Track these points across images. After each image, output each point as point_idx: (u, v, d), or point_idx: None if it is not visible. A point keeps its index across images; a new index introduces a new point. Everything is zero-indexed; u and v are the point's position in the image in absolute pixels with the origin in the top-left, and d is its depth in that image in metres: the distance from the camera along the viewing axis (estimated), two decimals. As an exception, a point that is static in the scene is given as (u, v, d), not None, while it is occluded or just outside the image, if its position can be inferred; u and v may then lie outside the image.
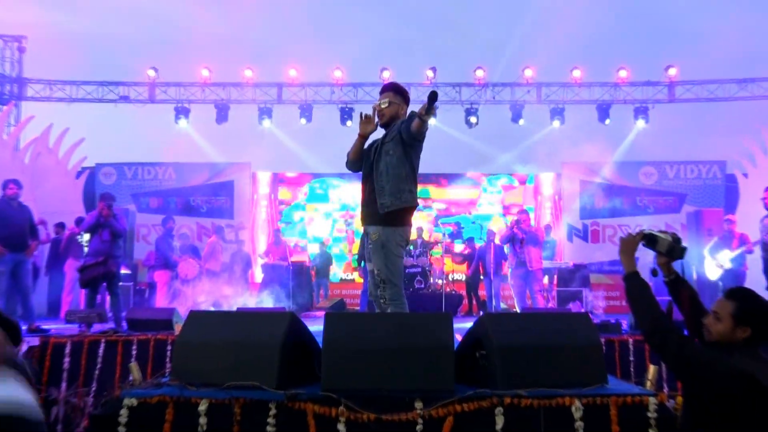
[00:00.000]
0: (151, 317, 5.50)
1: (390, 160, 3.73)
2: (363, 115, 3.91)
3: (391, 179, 3.71)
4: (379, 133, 3.96)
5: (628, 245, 2.66)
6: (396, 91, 3.94)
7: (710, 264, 8.54)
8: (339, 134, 13.23)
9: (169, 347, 4.97)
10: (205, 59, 13.26)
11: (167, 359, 4.90)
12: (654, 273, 2.75)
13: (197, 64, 13.03)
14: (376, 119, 3.90)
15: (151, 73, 12.94)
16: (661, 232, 2.71)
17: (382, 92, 3.96)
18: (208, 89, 13.02)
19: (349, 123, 12.78)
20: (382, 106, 3.88)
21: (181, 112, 12.94)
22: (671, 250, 2.68)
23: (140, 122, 13.86)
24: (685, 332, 2.50)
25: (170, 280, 9.08)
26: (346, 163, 4.02)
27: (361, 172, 3.96)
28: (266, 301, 9.05)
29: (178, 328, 5.28)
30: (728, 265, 8.26)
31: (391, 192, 3.69)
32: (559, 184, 13.29)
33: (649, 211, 12.58)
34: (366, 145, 3.96)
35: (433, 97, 3.31)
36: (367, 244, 3.81)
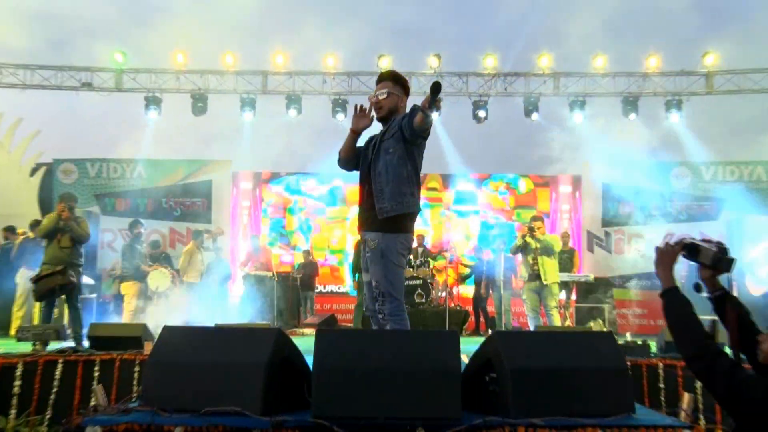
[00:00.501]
0: (116, 334, 5.49)
1: (390, 159, 3.74)
2: (358, 108, 3.90)
3: (391, 181, 3.72)
4: (375, 128, 3.97)
5: (666, 257, 2.63)
6: (395, 81, 3.94)
7: (753, 279, 8.58)
8: (331, 129, 13.32)
9: (137, 368, 4.97)
10: (180, 43, 13.27)
11: (135, 382, 4.90)
12: (697, 288, 2.68)
13: (171, 49, 13.05)
14: (373, 113, 3.90)
15: (119, 57, 12.95)
16: (704, 240, 2.65)
17: (378, 82, 3.97)
18: (184, 77, 13.04)
19: (341, 116, 12.82)
20: (380, 98, 3.88)
21: (153, 102, 12.95)
22: (717, 261, 2.62)
23: (105, 113, 13.83)
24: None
25: (139, 292, 9.07)
26: (338, 161, 4.03)
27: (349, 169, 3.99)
28: (248, 316, 9.05)
29: (148, 346, 5.28)
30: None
31: (391, 195, 3.70)
32: (579, 186, 13.34)
33: (682, 218, 12.62)
34: (363, 142, 3.98)
35: (436, 88, 3.33)
36: (365, 253, 3.82)
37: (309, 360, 2.70)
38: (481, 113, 12.82)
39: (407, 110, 3.78)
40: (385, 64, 12.47)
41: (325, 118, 13.10)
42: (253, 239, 11.85)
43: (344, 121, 12.88)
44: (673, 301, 2.50)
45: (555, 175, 13.67)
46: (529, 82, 12.93)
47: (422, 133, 3.65)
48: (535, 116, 12.84)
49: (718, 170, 12.79)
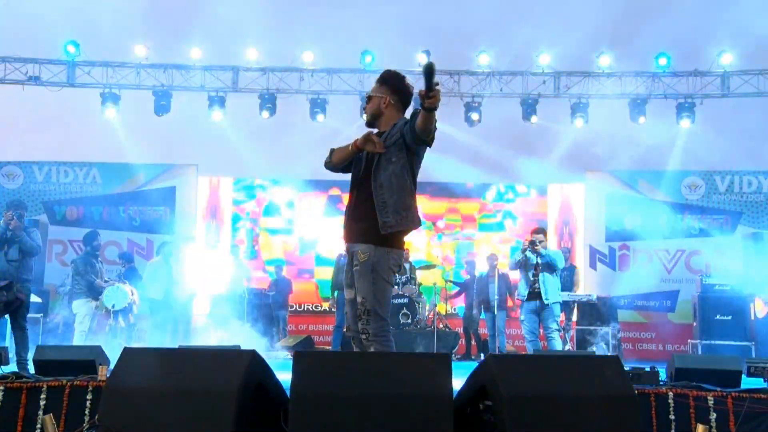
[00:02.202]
0: (67, 358, 5.43)
1: (394, 169, 3.82)
2: (374, 135, 3.89)
3: (394, 193, 3.80)
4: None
5: None
6: (381, 81, 4.01)
7: (763, 299, 8.72)
8: (309, 131, 13.32)
9: (89, 396, 4.93)
10: (141, 34, 13.23)
11: (86, 411, 4.86)
12: None
13: (131, 40, 13.00)
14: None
15: (71, 48, 12.87)
16: None
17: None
18: (145, 72, 12.98)
19: (320, 117, 12.83)
20: (366, 104, 4.03)
21: (109, 99, 12.86)
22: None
23: (55, 110, 13.71)
24: None
25: (94, 311, 9.00)
26: (327, 162, 4.07)
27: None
28: (216, 337, 9.03)
29: (102, 371, 5.24)
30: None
31: (395, 209, 3.78)
32: (581, 197, 13.45)
33: (694, 233, 12.74)
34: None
35: (428, 70, 3.32)
36: (351, 267, 3.86)
37: (285, 386, 2.71)
38: (474, 115, 12.89)
39: (404, 112, 3.85)
40: (369, 60, 12.53)
41: (303, 119, 13.11)
42: (224, 252, 11.81)
43: (323, 123, 12.91)
44: None
45: (555, 184, 13.78)
46: (527, 82, 13.03)
47: (425, 136, 3.69)
48: (534, 119, 12.88)
49: (735, 180, 12.93)
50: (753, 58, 12.63)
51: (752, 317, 9.78)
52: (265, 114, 12.94)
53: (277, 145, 13.69)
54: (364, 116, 4.05)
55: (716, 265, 12.32)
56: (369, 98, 4.01)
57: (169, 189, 13.20)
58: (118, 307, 9.14)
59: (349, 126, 12.66)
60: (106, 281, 9.40)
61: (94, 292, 9.06)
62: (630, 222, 12.92)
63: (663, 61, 12.64)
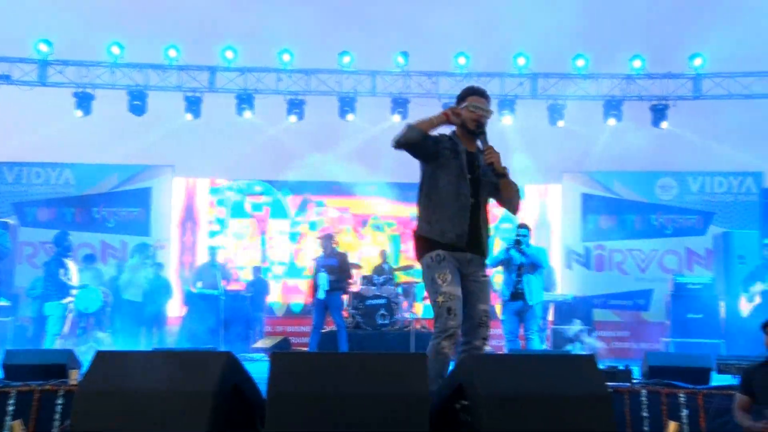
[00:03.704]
0: (36, 362, 5.39)
1: (491, 191, 4.26)
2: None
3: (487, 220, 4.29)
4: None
5: None
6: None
7: (746, 297, 8.85)
8: (283, 131, 13.30)
9: (60, 401, 4.88)
10: (116, 33, 13.11)
11: (57, 416, 4.81)
12: None
13: (105, 39, 12.87)
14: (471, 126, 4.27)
15: (43, 47, 12.70)
16: None
17: (485, 97, 4.42)
18: (120, 71, 12.85)
19: (292, 118, 12.79)
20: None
21: (83, 99, 12.73)
22: None
23: (27, 110, 13.54)
24: None
25: (65, 314, 8.89)
26: (411, 137, 4.05)
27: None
28: (193, 339, 8.99)
29: (74, 375, 5.20)
30: (758, 300, 8.57)
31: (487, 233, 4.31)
32: (556, 198, 13.54)
33: (667, 233, 12.90)
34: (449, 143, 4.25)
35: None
36: (474, 276, 4.10)
37: (262, 388, 2.69)
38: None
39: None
40: (347, 61, 12.53)
41: (280, 120, 13.08)
42: (200, 254, 11.76)
43: (300, 123, 12.89)
44: None
45: (532, 185, 13.84)
46: (504, 83, 13.11)
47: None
48: (509, 120, 12.99)
49: (707, 181, 13.10)
50: (724, 61, 12.84)
51: (722, 315, 9.93)
52: (248, 114, 12.87)
53: (256, 146, 13.65)
54: (477, 127, 4.31)
55: (688, 264, 12.52)
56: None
57: (145, 190, 13.08)
58: (91, 309, 9.04)
59: (324, 127, 12.67)
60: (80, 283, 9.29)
61: (66, 294, 8.95)
62: (605, 222, 13.05)
63: (637, 63, 12.81)
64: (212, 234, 13.62)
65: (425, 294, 11.78)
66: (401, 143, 4.02)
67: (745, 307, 9.09)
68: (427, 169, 4.21)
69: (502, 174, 4.11)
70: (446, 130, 4.38)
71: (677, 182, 13.12)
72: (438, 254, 3.99)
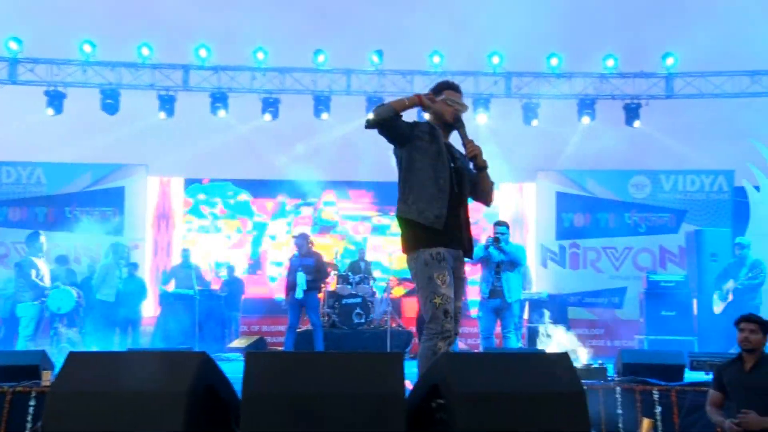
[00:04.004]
0: (9, 363, 5.34)
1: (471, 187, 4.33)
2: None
3: None
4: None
5: None
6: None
7: (719, 296, 8.98)
8: (257, 129, 13.24)
9: (32, 402, 4.83)
10: (88, 30, 12.96)
11: (29, 418, 4.76)
12: None
13: (77, 37, 12.72)
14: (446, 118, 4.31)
15: (13, 45, 12.53)
16: None
17: (460, 92, 4.42)
18: (92, 69, 12.71)
19: (267, 117, 12.74)
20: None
21: (55, 97, 12.58)
22: None
23: (-4, 108, 13.37)
24: None
25: (38, 315, 8.77)
26: (386, 118, 4.03)
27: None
28: (167, 339, 8.92)
29: (46, 376, 5.14)
30: (731, 297, 8.70)
31: None
32: (531, 197, 13.63)
33: (640, 231, 13.04)
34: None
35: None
36: (456, 273, 4.11)
37: (237, 388, 2.68)
38: (427, 115, 12.90)
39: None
40: (322, 59, 12.51)
41: (254, 119, 13.02)
42: (174, 253, 11.69)
43: (275, 122, 12.85)
44: None
45: (506, 183, 13.91)
46: (478, 82, 13.16)
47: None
48: (484, 118, 13.02)
49: (679, 180, 13.25)
50: (696, 61, 13.01)
51: (695, 312, 10.06)
52: (222, 113, 12.80)
53: (230, 144, 13.59)
54: (456, 121, 4.35)
55: (662, 262, 12.68)
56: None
57: (118, 189, 12.96)
58: (64, 310, 8.93)
59: (299, 127, 12.64)
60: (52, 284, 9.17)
61: (38, 296, 8.83)
62: (579, 220, 13.16)
63: (610, 62, 12.92)
64: (187, 233, 13.56)
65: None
66: (373, 121, 3.98)
67: (717, 304, 9.22)
68: (402, 153, 4.17)
69: (483, 167, 4.11)
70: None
71: (650, 180, 13.25)
72: (438, 252, 3.95)
